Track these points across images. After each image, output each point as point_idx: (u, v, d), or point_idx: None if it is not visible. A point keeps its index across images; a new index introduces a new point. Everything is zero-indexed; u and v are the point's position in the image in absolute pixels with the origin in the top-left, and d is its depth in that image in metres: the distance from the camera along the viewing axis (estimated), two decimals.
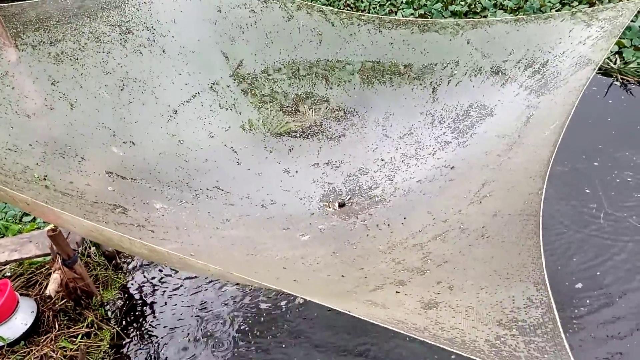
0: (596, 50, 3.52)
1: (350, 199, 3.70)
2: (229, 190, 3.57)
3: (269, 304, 3.70)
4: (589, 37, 3.67)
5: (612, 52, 5.98)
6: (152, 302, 3.83)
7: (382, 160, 3.90)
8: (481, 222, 2.53)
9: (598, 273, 3.62)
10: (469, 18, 6.60)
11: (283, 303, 3.68)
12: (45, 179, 2.67)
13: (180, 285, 3.92)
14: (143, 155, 3.50)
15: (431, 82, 4.09)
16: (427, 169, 3.63)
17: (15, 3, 3.52)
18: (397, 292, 2.09)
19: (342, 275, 2.43)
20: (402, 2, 7.83)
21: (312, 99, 4.46)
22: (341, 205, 3.67)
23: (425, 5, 7.45)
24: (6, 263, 3.68)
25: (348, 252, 2.87)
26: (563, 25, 3.80)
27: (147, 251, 1.82)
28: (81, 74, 3.60)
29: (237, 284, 3.82)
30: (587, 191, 4.29)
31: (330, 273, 2.49)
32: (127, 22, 4.07)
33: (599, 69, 5.83)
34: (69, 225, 2.14)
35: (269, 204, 3.59)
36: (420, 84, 4.15)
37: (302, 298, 1.80)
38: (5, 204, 4.53)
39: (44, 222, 4.47)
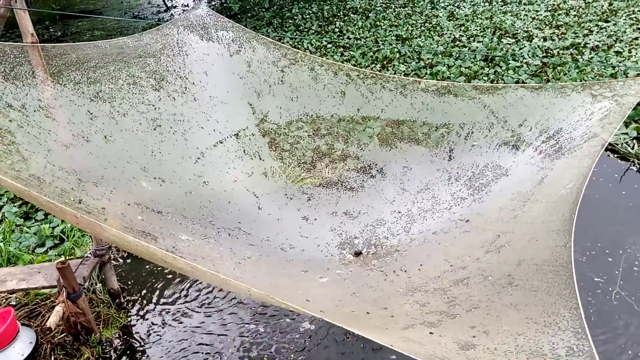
0: (605, 124, 3.67)
1: (366, 248, 3.73)
2: (249, 232, 3.62)
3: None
4: (600, 109, 3.88)
5: (630, 137, 6.13)
6: (151, 345, 3.77)
7: (399, 212, 3.98)
8: (505, 270, 2.56)
9: None
10: None
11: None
12: (80, 203, 2.74)
13: (183, 331, 3.87)
14: (170, 191, 3.59)
15: (449, 142, 4.26)
16: (443, 221, 3.70)
17: (58, 45, 3.73)
18: (430, 332, 2.09)
19: (367, 312, 2.43)
20: (426, 74, 8.24)
21: (330, 157, 4.60)
22: (357, 254, 3.70)
23: (448, 77, 7.83)
24: (13, 292, 3.67)
25: (368, 293, 2.87)
26: (576, 97, 4.02)
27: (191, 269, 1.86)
28: (118, 112, 3.77)
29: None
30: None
31: (355, 309, 2.49)
32: (161, 70, 4.30)
33: (617, 152, 5.93)
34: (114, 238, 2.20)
35: (288, 247, 3.62)
36: (438, 143, 4.32)
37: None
38: (21, 234, 4.55)
39: (55, 255, 4.47)
